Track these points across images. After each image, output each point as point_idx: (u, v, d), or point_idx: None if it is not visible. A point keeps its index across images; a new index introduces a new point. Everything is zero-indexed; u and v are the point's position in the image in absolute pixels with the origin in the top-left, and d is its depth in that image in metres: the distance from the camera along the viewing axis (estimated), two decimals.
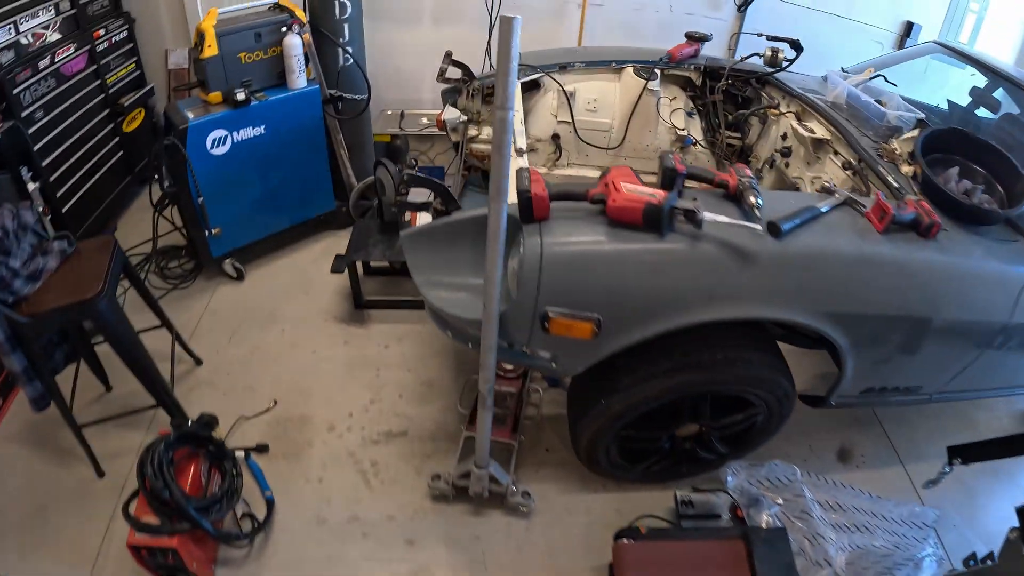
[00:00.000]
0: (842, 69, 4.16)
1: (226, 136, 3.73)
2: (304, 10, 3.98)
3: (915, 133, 3.24)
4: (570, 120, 3.90)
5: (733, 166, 2.62)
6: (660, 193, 2.33)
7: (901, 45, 5.08)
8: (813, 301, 2.48)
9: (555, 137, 3.94)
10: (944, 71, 4.42)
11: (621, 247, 2.35)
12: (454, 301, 2.56)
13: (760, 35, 3.90)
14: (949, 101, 4.49)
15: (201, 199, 3.75)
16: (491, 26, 4.72)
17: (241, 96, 3.68)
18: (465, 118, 3.84)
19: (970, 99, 4.40)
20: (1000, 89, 4.11)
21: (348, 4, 4.03)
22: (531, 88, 3.90)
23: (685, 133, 3.99)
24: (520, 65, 3.88)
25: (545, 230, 2.35)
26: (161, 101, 4.92)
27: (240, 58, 3.73)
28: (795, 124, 3.59)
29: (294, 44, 3.78)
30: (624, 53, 4.03)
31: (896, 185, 2.90)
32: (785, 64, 3.84)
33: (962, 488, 3.32)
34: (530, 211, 2.35)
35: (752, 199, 2.38)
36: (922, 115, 3.36)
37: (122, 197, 4.70)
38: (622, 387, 2.66)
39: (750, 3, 4.80)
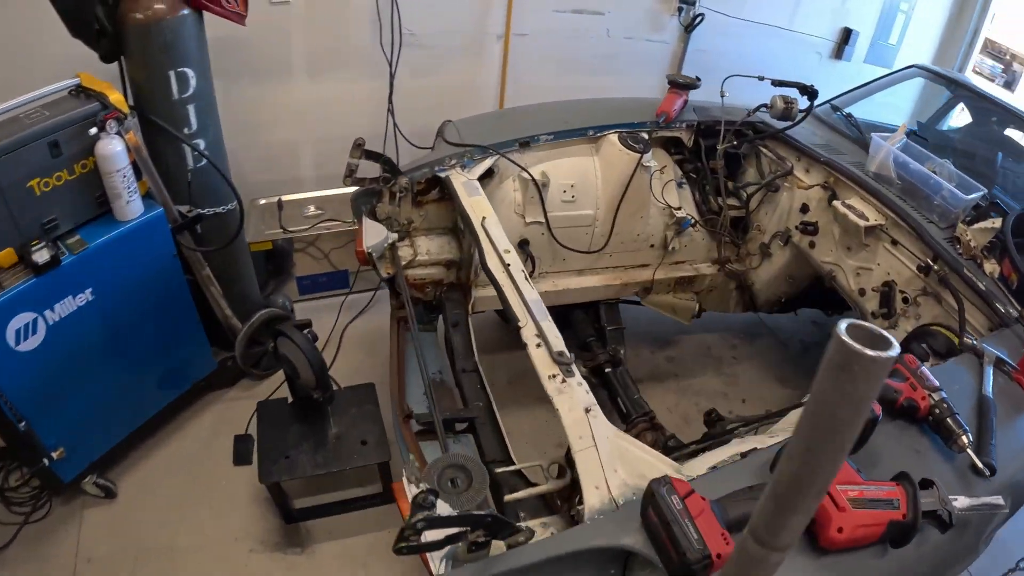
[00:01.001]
0: (832, 107, 3.22)
1: (35, 320, 2.17)
2: (124, 93, 2.39)
3: (994, 223, 2.44)
4: (542, 219, 2.67)
5: (902, 362, 1.75)
6: (895, 493, 1.39)
7: (839, 52, 4.31)
8: None
9: (523, 244, 2.69)
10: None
11: None
12: None
13: (762, 78, 2.85)
14: (919, 123, 3.77)
15: (23, 423, 2.18)
16: (392, 76, 3.29)
17: (44, 255, 2.11)
18: (394, 236, 2.50)
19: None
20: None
21: (191, 75, 2.46)
22: (483, 176, 2.59)
23: (683, 214, 2.89)
24: (463, 146, 2.61)
25: None
26: None
27: (32, 188, 2.14)
28: (842, 207, 2.61)
29: (113, 153, 2.22)
30: (597, 113, 2.84)
31: (1001, 306, 2.22)
32: (800, 116, 2.83)
33: None
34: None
35: (963, 438, 1.61)
36: (984, 190, 2.54)
37: None
38: None
39: (699, 23, 3.71)
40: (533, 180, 2.57)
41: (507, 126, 2.73)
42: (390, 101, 3.34)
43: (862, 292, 2.72)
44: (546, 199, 2.64)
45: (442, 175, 2.48)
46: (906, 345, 2.53)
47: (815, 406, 0.62)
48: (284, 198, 3.38)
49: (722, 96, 2.93)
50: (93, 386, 2.43)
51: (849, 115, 3.14)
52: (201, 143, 2.58)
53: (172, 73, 2.42)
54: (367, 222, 2.47)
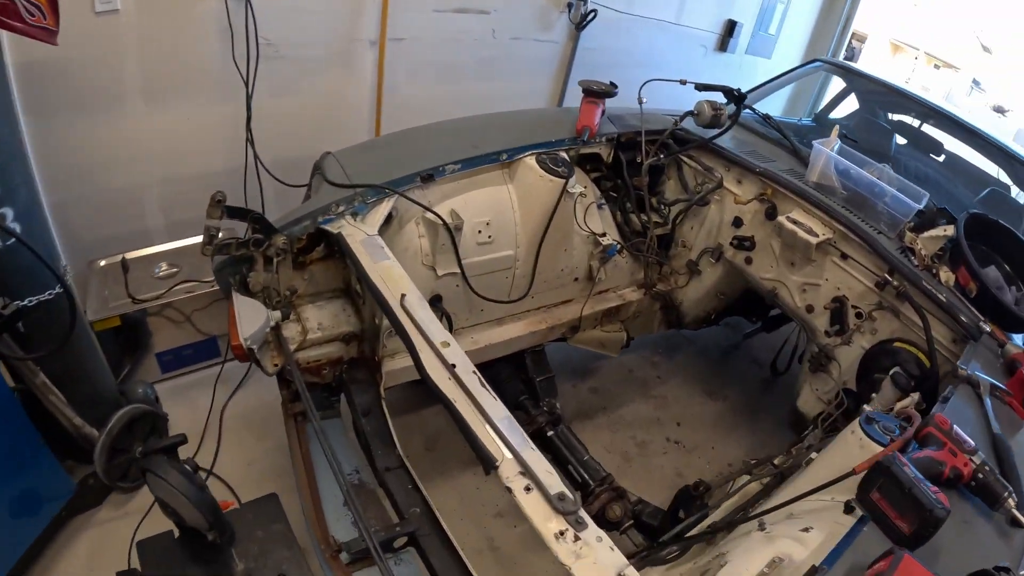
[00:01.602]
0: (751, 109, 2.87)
1: None
2: None
3: (946, 231, 2.19)
4: (457, 269, 2.12)
5: (935, 424, 1.50)
6: None
7: (724, 44, 4.03)
8: None
9: (435, 301, 2.13)
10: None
11: None
12: None
13: (684, 82, 2.44)
14: (815, 114, 3.57)
15: None
16: (248, 96, 2.58)
17: None
18: (276, 315, 1.87)
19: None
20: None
21: None
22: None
23: (608, 240, 2.43)
24: (352, 187, 2.00)
25: None
26: None
27: None
28: (788, 224, 2.26)
29: None
30: (506, 132, 2.33)
31: (965, 318, 1.99)
32: (729, 124, 2.44)
33: None
34: None
35: (1010, 500, 1.41)
36: (926, 194, 2.32)
37: None
38: None
39: (590, 21, 3.25)
40: (444, 223, 2.02)
41: (401, 156, 2.15)
42: (248, 128, 2.62)
43: (810, 309, 2.39)
44: (459, 244, 2.09)
45: (330, 229, 1.88)
46: (871, 364, 2.26)
47: None
48: (129, 256, 2.61)
49: (640, 103, 2.50)
50: None
51: (767, 116, 2.79)
52: (8, 213, 1.80)
53: None
54: (239, 301, 1.82)
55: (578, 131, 2.37)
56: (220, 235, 1.81)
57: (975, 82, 7.67)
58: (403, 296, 1.60)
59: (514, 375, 2.47)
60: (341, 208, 1.92)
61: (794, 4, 4.30)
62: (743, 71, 4.21)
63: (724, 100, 2.47)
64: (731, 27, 3.92)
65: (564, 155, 2.31)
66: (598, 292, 2.60)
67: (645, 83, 2.43)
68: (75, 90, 2.41)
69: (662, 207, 2.67)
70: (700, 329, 3.00)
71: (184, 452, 2.36)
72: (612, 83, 2.47)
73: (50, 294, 1.95)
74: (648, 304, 2.77)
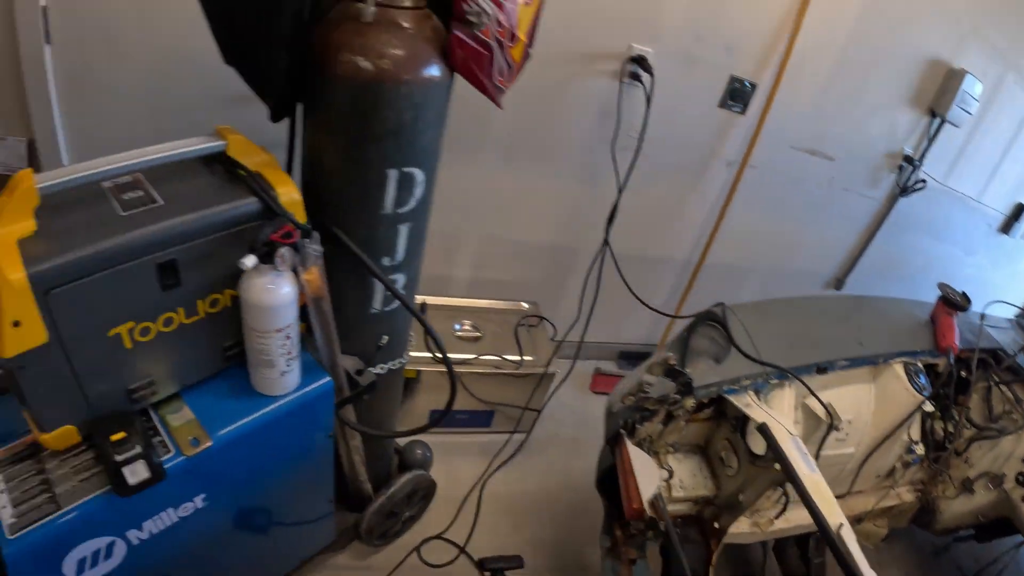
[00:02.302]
0: None
1: (111, 544, 1.37)
2: (291, 170, 1.60)
3: None
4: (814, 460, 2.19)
5: None
6: None
7: (1007, 227, 4.00)
8: None
9: None
10: None
11: None
12: None
13: None
14: None
15: None
16: (619, 192, 2.65)
17: (140, 472, 1.29)
18: (665, 474, 1.97)
19: None
20: None
21: (419, 179, 1.59)
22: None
23: (920, 451, 2.49)
24: (762, 364, 2.03)
25: None
26: None
27: (119, 338, 1.29)
28: None
29: (280, 304, 1.40)
30: (878, 328, 2.39)
31: None
32: None
33: None
34: None
35: None
36: None
37: None
38: None
39: (919, 190, 3.28)
40: (831, 421, 2.08)
41: (799, 337, 2.20)
42: (608, 228, 2.66)
43: None
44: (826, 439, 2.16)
45: (736, 402, 1.95)
46: None
47: None
48: (429, 300, 2.69)
49: (981, 319, 2.56)
50: None
51: None
52: (400, 279, 1.77)
53: (394, 173, 1.50)
54: (636, 456, 1.88)
55: (941, 349, 2.41)
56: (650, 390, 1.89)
57: None
58: (840, 526, 1.68)
59: (798, 556, 2.55)
60: (747, 383, 2.00)
61: None
62: (1012, 255, 4.19)
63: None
64: (1019, 211, 3.91)
65: (921, 366, 2.36)
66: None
67: (991, 303, 2.50)
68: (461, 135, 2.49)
69: (980, 433, 2.71)
70: (941, 536, 3.05)
71: (438, 524, 2.49)
72: (964, 294, 2.51)
73: (399, 363, 2.03)
74: (913, 504, 2.84)
